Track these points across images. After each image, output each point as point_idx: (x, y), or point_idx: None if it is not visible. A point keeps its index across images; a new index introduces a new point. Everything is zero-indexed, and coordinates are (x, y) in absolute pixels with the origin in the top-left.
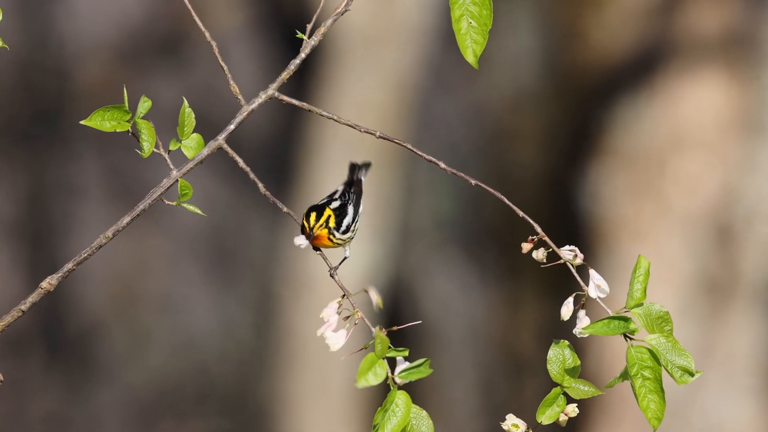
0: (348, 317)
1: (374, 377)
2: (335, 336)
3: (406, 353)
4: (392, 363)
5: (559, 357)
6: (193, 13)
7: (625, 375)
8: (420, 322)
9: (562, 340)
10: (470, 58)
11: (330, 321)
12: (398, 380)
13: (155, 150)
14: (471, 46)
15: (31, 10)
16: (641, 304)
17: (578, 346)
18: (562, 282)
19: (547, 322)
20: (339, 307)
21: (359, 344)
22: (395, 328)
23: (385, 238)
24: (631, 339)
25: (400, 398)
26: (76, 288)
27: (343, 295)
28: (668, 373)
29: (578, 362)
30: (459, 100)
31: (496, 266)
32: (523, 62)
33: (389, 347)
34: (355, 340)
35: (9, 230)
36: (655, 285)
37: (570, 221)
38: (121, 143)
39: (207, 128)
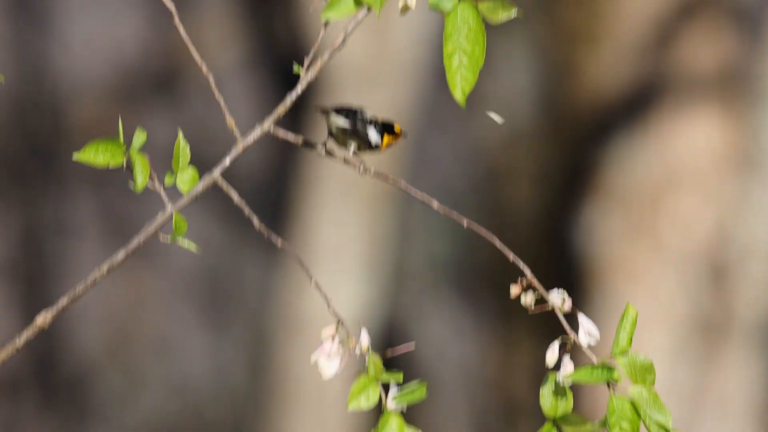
0: (342, 342)
1: (366, 400)
2: (329, 363)
3: (400, 378)
4: (386, 389)
5: (551, 392)
6: (190, 45)
7: (604, 422)
8: (413, 343)
9: (553, 373)
10: (458, 95)
11: (324, 346)
12: (392, 405)
13: (149, 185)
14: (460, 83)
15: (25, 45)
16: (626, 353)
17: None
18: (557, 323)
19: (541, 364)
20: (334, 334)
21: (352, 377)
22: (389, 353)
23: (378, 279)
24: (613, 388)
25: (394, 420)
26: (70, 329)
27: (338, 321)
28: (645, 426)
29: (571, 397)
30: (453, 139)
31: (490, 308)
32: (518, 100)
33: (383, 370)
34: (350, 374)
35: (2, 270)
36: (649, 325)
37: (564, 261)
38: (116, 183)
39: (201, 167)
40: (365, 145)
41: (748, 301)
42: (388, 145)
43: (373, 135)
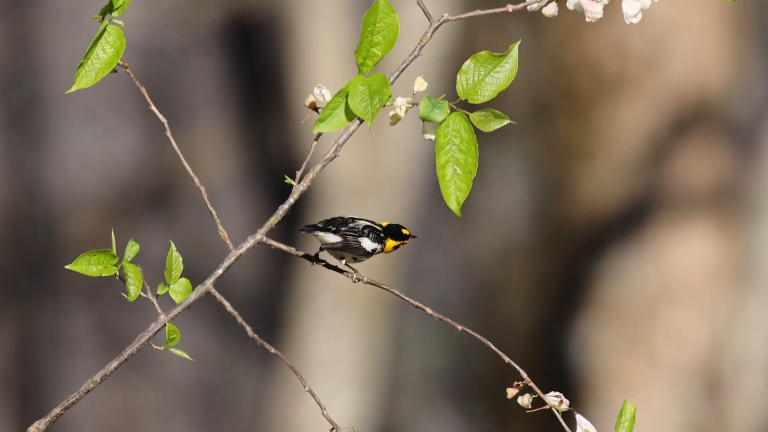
0: None
1: None
2: None
3: None
4: None
5: None
6: (182, 157)
7: None
8: None
9: None
10: (453, 205)
11: None
12: None
13: (143, 294)
14: (455, 193)
15: (20, 161)
16: None
17: None
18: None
19: None
20: None
21: None
22: None
23: (374, 389)
24: None
25: None
26: None
27: (332, 429)
28: None
29: None
30: (448, 252)
31: (485, 419)
32: (513, 214)
33: None
34: None
35: None
36: None
37: (559, 373)
38: (111, 296)
39: (194, 279)
40: (360, 255)
41: (743, 413)
42: (396, 248)
43: (367, 244)
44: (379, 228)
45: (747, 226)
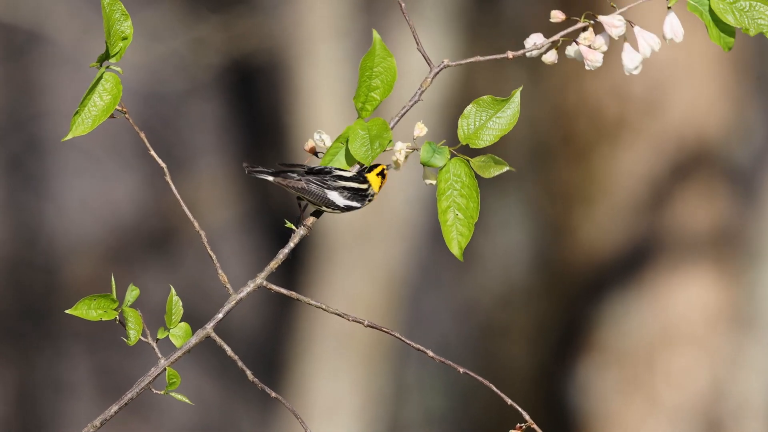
0: None
1: None
2: None
3: None
4: None
5: None
6: (182, 202)
7: None
8: None
9: None
10: (455, 249)
11: None
12: None
13: (143, 339)
14: (456, 238)
15: (21, 207)
16: None
17: None
18: None
19: None
20: None
21: None
22: None
23: None
24: None
25: None
26: None
27: None
28: None
29: None
30: (448, 296)
31: None
32: (513, 258)
33: None
34: None
35: None
36: None
37: (560, 417)
38: (110, 341)
39: (194, 324)
40: (330, 208)
41: None
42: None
43: (335, 197)
44: (363, 187)
45: (747, 270)
